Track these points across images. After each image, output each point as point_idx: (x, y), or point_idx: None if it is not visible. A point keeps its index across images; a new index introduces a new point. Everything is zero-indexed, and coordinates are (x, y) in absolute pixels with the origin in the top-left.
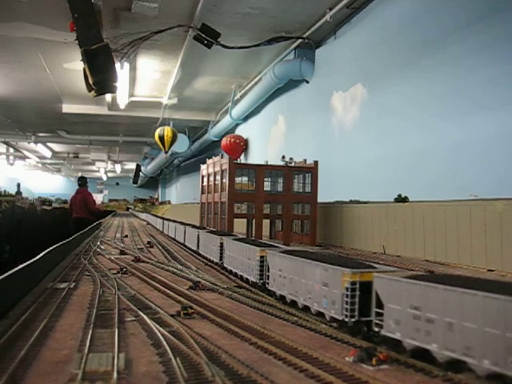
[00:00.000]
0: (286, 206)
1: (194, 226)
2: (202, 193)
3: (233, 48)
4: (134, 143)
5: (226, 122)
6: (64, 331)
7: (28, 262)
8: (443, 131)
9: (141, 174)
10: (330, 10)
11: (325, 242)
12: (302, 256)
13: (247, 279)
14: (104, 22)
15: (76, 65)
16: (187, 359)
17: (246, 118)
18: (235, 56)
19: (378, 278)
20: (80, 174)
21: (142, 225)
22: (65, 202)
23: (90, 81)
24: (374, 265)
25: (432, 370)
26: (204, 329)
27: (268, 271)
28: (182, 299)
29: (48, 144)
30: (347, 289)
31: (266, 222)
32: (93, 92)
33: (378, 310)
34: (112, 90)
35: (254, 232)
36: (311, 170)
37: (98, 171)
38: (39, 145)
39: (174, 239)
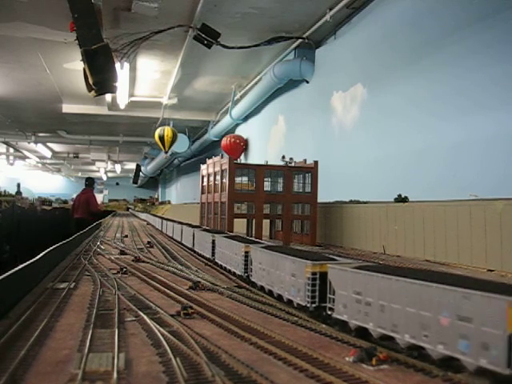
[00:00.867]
0: (286, 205)
1: (189, 225)
2: (202, 193)
3: (233, 48)
4: (134, 143)
5: (226, 121)
6: (64, 331)
7: (28, 262)
8: (443, 131)
9: (141, 173)
10: (330, 10)
11: (325, 242)
12: (277, 251)
13: (234, 272)
14: (104, 22)
15: (76, 65)
16: (187, 359)
17: (245, 118)
18: (235, 56)
19: (331, 269)
20: (80, 174)
21: (142, 225)
22: (65, 201)
23: (90, 81)
24: (337, 258)
25: (432, 370)
26: (204, 329)
27: (251, 265)
28: (182, 299)
29: (48, 144)
30: (309, 278)
31: (266, 222)
32: (93, 92)
33: (331, 296)
34: (112, 90)
35: (254, 232)
36: (311, 170)
37: (98, 171)
38: (39, 145)
39: (172, 238)
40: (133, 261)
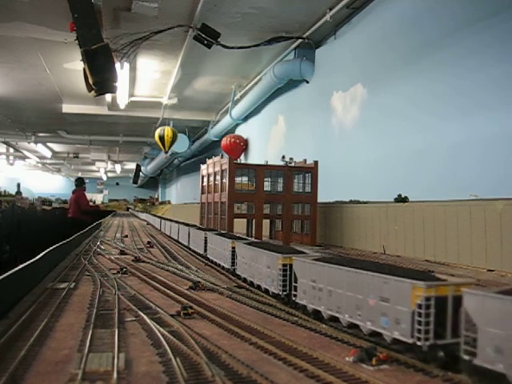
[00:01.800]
0: (286, 205)
1: (186, 224)
2: (202, 193)
3: (233, 48)
4: (134, 143)
5: (225, 121)
6: (64, 331)
7: (28, 262)
8: (443, 131)
9: (141, 173)
10: (330, 10)
11: (325, 242)
12: (256, 246)
13: (223, 266)
14: (104, 22)
15: (76, 65)
16: (187, 359)
17: (246, 118)
18: (235, 56)
19: (295, 261)
20: (80, 174)
21: (142, 225)
22: (65, 201)
23: (90, 81)
24: (307, 251)
25: (432, 370)
26: (204, 329)
27: (236, 259)
28: (182, 299)
29: (48, 144)
30: (280, 269)
31: (266, 222)
32: (93, 92)
33: (295, 284)
34: (112, 90)
35: (254, 232)
36: (311, 170)
37: (98, 171)
38: (39, 145)
39: (170, 236)
40: (133, 261)
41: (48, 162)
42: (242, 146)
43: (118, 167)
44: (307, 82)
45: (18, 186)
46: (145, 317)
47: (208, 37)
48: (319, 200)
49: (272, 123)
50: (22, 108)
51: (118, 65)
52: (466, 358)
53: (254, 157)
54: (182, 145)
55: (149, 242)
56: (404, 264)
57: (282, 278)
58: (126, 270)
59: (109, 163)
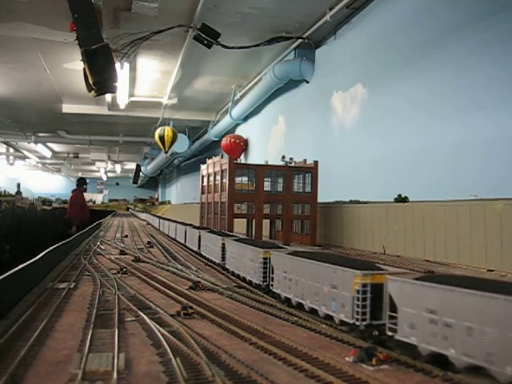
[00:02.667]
0: (286, 206)
1: (183, 224)
2: (202, 193)
3: (233, 48)
4: (134, 143)
5: (226, 121)
6: (64, 331)
7: (28, 262)
8: (443, 131)
9: (141, 174)
10: (330, 10)
11: (325, 242)
12: (242, 242)
13: (214, 262)
14: (104, 22)
15: (76, 65)
16: (187, 359)
17: (246, 118)
18: (235, 56)
19: (272, 255)
20: (80, 174)
21: (142, 225)
22: (64, 201)
23: (90, 81)
24: (286, 247)
25: (432, 370)
26: (204, 329)
27: (226, 254)
28: (182, 299)
29: (48, 144)
30: (261, 263)
31: (266, 222)
32: (93, 92)
33: (272, 275)
34: (112, 90)
35: (254, 232)
36: (311, 170)
37: (98, 171)
38: (39, 145)
39: (168, 235)
40: (133, 261)
41: (48, 161)
42: (242, 146)
43: (118, 167)
44: (307, 82)
45: (18, 186)
46: (145, 317)
47: (208, 37)
48: (319, 200)
49: (272, 123)
50: (22, 108)
51: (117, 65)
52: (390, 334)
53: (254, 157)
54: (182, 145)
55: (149, 242)
56: (404, 264)
57: (262, 270)
58: (126, 270)
59: (109, 163)
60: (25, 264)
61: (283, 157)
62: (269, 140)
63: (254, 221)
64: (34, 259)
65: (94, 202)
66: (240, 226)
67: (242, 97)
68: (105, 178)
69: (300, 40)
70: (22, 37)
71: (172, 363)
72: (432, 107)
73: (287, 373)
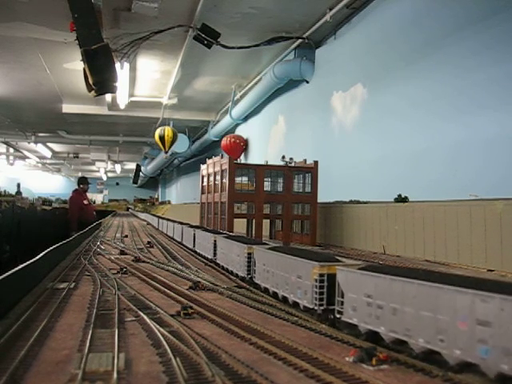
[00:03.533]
0: (286, 205)
1: (180, 223)
2: (202, 193)
3: (233, 48)
4: (134, 143)
5: (225, 121)
6: (64, 331)
7: (28, 262)
8: (443, 131)
9: (141, 174)
10: (330, 10)
11: (325, 242)
12: (230, 238)
13: (206, 257)
14: (104, 22)
15: (76, 65)
16: (187, 359)
17: (246, 118)
18: (235, 56)
19: (255, 250)
20: (80, 174)
21: (142, 225)
22: (64, 201)
23: (90, 81)
24: (270, 243)
25: (432, 370)
26: (204, 329)
27: (217, 250)
28: (182, 299)
29: (48, 144)
30: (245, 257)
31: (266, 222)
32: (93, 92)
33: (254, 268)
34: (112, 90)
35: (254, 232)
36: (311, 170)
37: (98, 171)
38: (39, 145)
39: (167, 234)
40: (133, 261)
41: (48, 161)
42: (242, 146)
43: (118, 167)
44: (307, 82)
45: (18, 186)
46: (145, 317)
47: (208, 37)
48: (319, 200)
49: (272, 123)
50: (22, 108)
51: (118, 65)
52: (338, 316)
53: (254, 157)
54: (182, 145)
55: (149, 242)
56: (404, 264)
57: (246, 264)
58: (125, 270)
59: (109, 163)
60: (25, 264)
61: (283, 157)
62: (269, 140)
63: (253, 221)
64: (34, 259)
65: (94, 202)
66: (240, 225)
67: (242, 97)
68: (105, 178)
69: (300, 40)
70: (21, 37)
71: (172, 363)
72: (432, 107)
73: (287, 373)
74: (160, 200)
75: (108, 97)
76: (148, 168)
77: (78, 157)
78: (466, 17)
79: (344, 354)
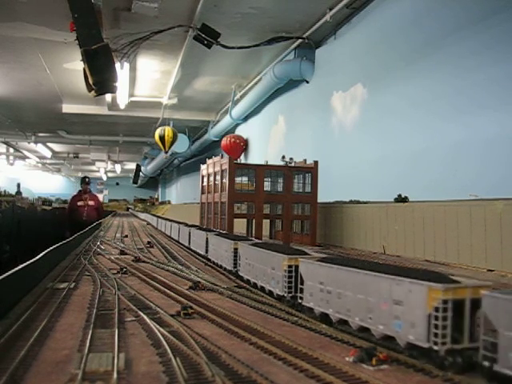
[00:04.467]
0: (285, 205)
1: (178, 223)
2: (202, 193)
3: (233, 48)
4: (134, 143)
5: (226, 121)
6: (64, 331)
7: (28, 262)
8: (443, 131)
9: (141, 174)
10: (330, 10)
11: (325, 242)
12: (220, 235)
13: (199, 253)
14: (104, 22)
15: (76, 65)
16: (187, 359)
17: (246, 118)
18: (235, 56)
19: (239, 245)
20: (80, 174)
21: (142, 225)
22: (64, 201)
23: (90, 81)
24: (253, 239)
25: (432, 370)
26: (204, 329)
27: (209, 246)
28: (182, 299)
29: (48, 144)
30: (232, 252)
31: (266, 222)
32: (93, 92)
33: (239, 262)
34: (112, 90)
35: (254, 232)
36: (311, 170)
37: (98, 171)
38: (39, 145)
39: (165, 233)
40: (133, 261)
41: (48, 161)
42: (242, 145)
43: (118, 167)
44: (307, 82)
45: (18, 186)
46: (145, 317)
47: (208, 37)
48: (319, 200)
49: (272, 123)
50: (22, 108)
51: (118, 65)
52: (299, 301)
53: (254, 157)
54: (182, 145)
55: (149, 242)
56: (403, 264)
57: (233, 258)
58: (126, 270)
59: (109, 163)
60: (25, 264)
61: (283, 157)
62: (269, 140)
63: (253, 221)
64: (34, 259)
65: None
66: (240, 226)
67: (242, 97)
68: (105, 178)
69: (300, 40)
70: (22, 37)
71: (172, 363)
72: (432, 107)
73: (287, 373)
74: (160, 200)
75: (108, 97)
76: (148, 168)
77: (78, 157)
78: (466, 17)
79: (344, 353)
